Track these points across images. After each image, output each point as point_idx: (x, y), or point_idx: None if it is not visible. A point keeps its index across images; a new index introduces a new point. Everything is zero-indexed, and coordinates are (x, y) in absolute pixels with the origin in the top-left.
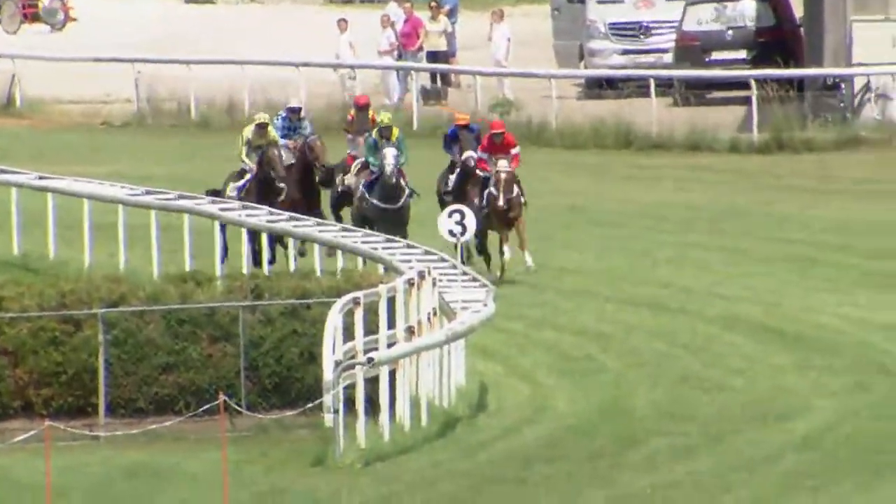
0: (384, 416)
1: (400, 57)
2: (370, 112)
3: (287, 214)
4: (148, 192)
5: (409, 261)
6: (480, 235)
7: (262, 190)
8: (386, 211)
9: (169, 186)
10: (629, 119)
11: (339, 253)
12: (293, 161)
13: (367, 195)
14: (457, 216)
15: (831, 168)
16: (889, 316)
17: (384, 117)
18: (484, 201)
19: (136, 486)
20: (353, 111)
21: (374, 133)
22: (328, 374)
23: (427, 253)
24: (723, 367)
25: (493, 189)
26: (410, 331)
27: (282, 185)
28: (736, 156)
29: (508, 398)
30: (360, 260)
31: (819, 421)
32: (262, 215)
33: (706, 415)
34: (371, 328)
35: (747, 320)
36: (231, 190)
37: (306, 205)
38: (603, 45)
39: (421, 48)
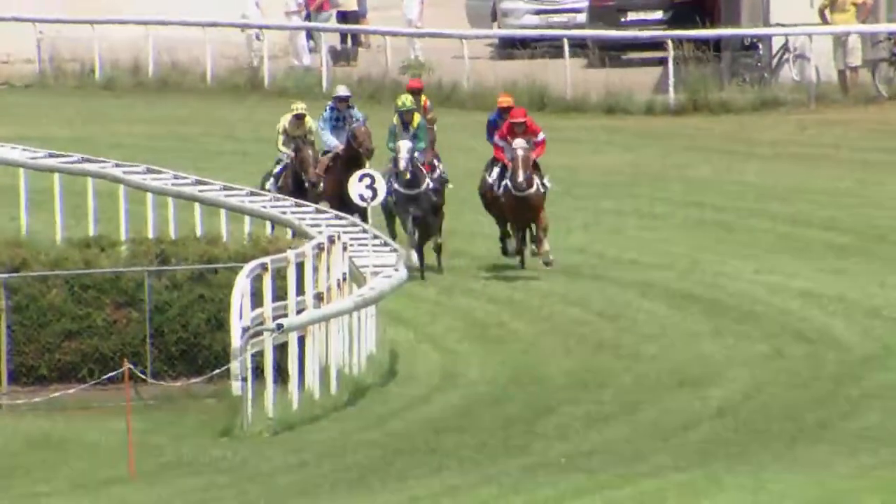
0: (293, 384)
1: (308, 18)
2: (423, 98)
3: (192, 178)
4: (50, 155)
5: (319, 226)
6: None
7: (296, 184)
8: (407, 196)
9: (72, 149)
10: (543, 80)
11: (247, 218)
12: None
13: (392, 181)
14: (367, 180)
15: (749, 130)
16: (806, 282)
17: (405, 100)
18: (500, 189)
19: (39, 457)
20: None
21: (395, 118)
22: (236, 341)
23: (337, 217)
24: (638, 334)
25: (509, 177)
26: (320, 297)
27: (312, 184)
28: (652, 118)
29: (420, 366)
30: (268, 225)
31: (735, 389)
32: (167, 179)
33: (621, 382)
34: (280, 294)
35: (663, 286)
36: (269, 185)
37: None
38: (515, 5)
39: (322, 8)
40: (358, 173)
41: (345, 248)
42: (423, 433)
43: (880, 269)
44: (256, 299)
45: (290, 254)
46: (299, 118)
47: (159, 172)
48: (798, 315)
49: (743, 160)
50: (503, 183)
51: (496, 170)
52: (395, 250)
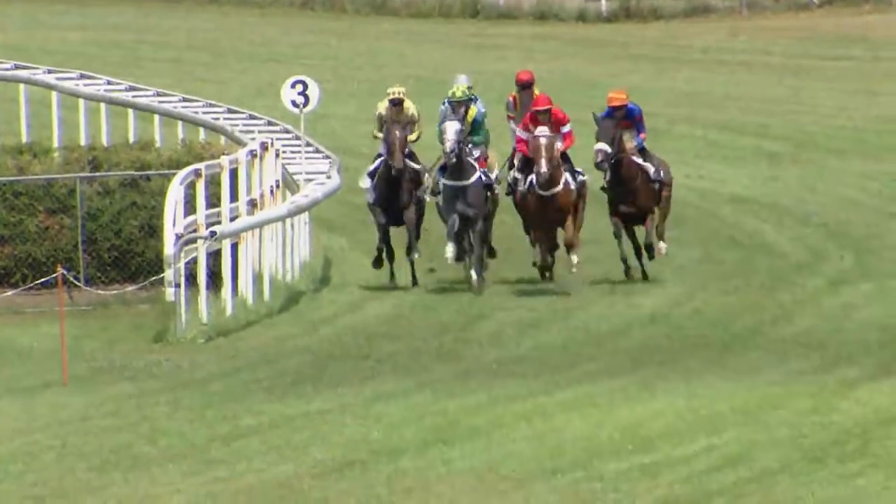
0: (227, 290)
1: None
2: (535, 90)
3: (126, 84)
4: None
5: (252, 132)
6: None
7: (388, 183)
8: (454, 189)
9: (4, 56)
10: None
11: (180, 124)
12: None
13: (439, 175)
14: (300, 86)
15: (679, 37)
16: (736, 188)
17: (455, 90)
18: (526, 185)
19: None
20: (513, 95)
21: (448, 109)
22: (169, 247)
23: (270, 124)
24: None
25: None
26: (253, 204)
27: (397, 170)
28: (584, 25)
29: (353, 273)
30: (201, 130)
31: (667, 295)
32: (100, 85)
33: (552, 289)
34: (213, 201)
35: (593, 192)
36: (363, 179)
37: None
38: None
39: None
40: (291, 79)
41: (278, 155)
42: (356, 340)
43: (811, 174)
44: (190, 206)
45: (224, 160)
46: (396, 104)
47: (92, 78)
48: (729, 221)
49: (674, 67)
50: (529, 178)
51: (516, 165)
52: (328, 157)
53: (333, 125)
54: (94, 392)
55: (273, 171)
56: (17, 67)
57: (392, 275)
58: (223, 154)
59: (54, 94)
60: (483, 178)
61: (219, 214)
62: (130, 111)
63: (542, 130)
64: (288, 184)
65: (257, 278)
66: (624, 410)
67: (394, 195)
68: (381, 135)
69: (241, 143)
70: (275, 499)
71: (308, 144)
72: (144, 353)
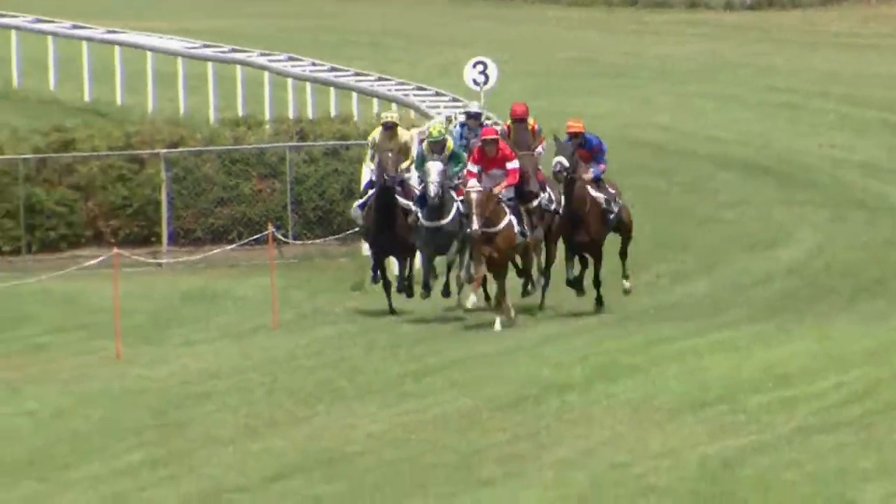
0: None
1: None
2: (530, 122)
3: (328, 66)
4: (205, 46)
5: (438, 107)
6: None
7: (381, 208)
8: (429, 230)
9: (223, 40)
10: None
11: (375, 100)
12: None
13: (418, 211)
14: (480, 66)
15: (816, 23)
16: (864, 156)
17: (433, 129)
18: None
19: (195, 308)
20: (508, 122)
21: (424, 146)
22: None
23: (454, 100)
24: (716, 202)
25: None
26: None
27: (393, 179)
28: (730, 13)
29: None
30: (393, 106)
31: (802, 250)
32: (306, 66)
33: (701, 245)
34: None
35: (739, 160)
36: (354, 211)
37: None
38: None
39: None
40: (472, 60)
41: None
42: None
43: None
44: None
45: (414, 132)
46: (389, 129)
47: (299, 60)
48: (858, 185)
49: (811, 50)
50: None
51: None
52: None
53: (509, 101)
54: (300, 335)
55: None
56: (233, 51)
57: (390, 305)
58: (412, 126)
59: (266, 74)
60: (459, 215)
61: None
62: (332, 89)
63: (473, 184)
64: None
65: None
66: (764, 351)
67: (386, 222)
68: (371, 164)
69: (428, 117)
70: (458, 428)
71: (487, 118)
72: (344, 300)
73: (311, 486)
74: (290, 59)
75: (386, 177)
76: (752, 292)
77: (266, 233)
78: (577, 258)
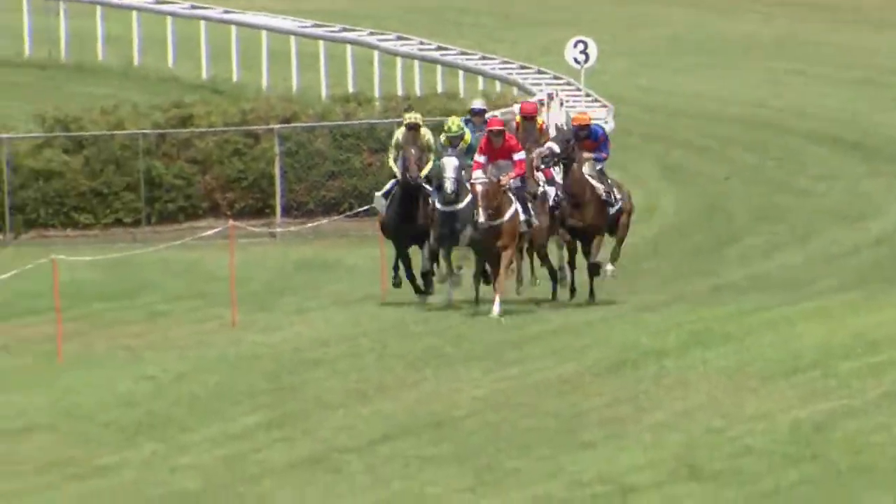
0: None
1: None
2: (539, 121)
3: (435, 45)
4: (317, 26)
5: (540, 84)
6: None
7: (405, 200)
8: (445, 214)
9: (334, 20)
10: None
11: (480, 78)
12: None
13: (434, 198)
14: (581, 45)
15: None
16: None
17: (451, 124)
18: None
19: (307, 277)
20: (518, 119)
21: (443, 139)
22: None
23: (555, 77)
24: (808, 175)
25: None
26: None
27: (413, 179)
28: None
29: None
30: (497, 84)
31: (890, 222)
32: (414, 45)
33: (793, 217)
34: None
35: (827, 135)
36: (377, 200)
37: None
38: None
39: None
40: (573, 39)
41: (562, 104)
42: (625, 258)
43: None
44: None
45: (516, 108)
46: (412, 129)
47: (407, 39)
48: None
49: (890, 29)
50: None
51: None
52: (604, 105)
53: (607, 78)
54: (408, 303)
55: (558, 116)
56: (344, 30)
57: (417, 288)
58: (515, 103)
59: (376, 53)
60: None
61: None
62: (438, 67)
63: (479, 176)
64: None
65: None
66: (854, 319)
67: (410, 214)
68: (394, 165)
69: (530, 94)
70: (558, 393)
71: (587, 94)
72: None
73: (418, 448)
74: (399, 38)
75: (410, 177)
76: (842, 262)
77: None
78: (566, 248)
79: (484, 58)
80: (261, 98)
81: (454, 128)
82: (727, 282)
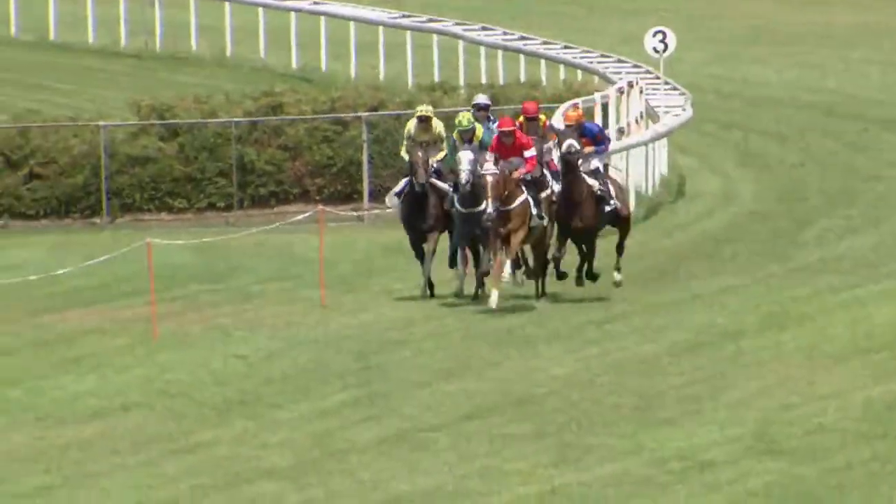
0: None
1: None
2: (542, 118)
3: (518, 34)
4: (404, 16)
5: (620, 73)
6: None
7: (413, 201)
8: (465, 216)
9: (418, 11)
10: None
11: (561, 67)
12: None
13: (454, 198)
14: (660, 35)
15: None
16: None
17: (462, 118)
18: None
19: (393, 260)
20: (521, 119)
21: (455, 134)
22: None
23: (635, 66)
24: (881, 160)
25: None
26: (621, 131)
27: (421, 185)
28: None
29: (702, 187)
30: (578, 73)
31: None
32: (497, 35)
33: (866, 201)
34: None
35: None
36: (390, 198)
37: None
38: None
39: None
40: (652, 29)
41: (641, 92)
42: (704, 243)
43: None
44: None
45: (597, 96)
46: (423, 121)
47: (491, 29)
48: None
49: None
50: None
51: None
52: (682, 93)
53: (685, 67)
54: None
55: (637, 104)
56: (430, 21)
57: (431, 288)
58: (596, 91)
59: (460, 43)
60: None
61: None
62: (521, 56)
63: (489, 167)
64: (650, 114)
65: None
66: None
67: (419, 213)
68: (406, 155)
69: (610, 82)
70: (638, 372)
71: (666, 83)
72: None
73: (502, 426)
74: (483, 28)
75: (416, 182)
76: None
77: None
78: (569, 247)
79: (566, 47)
80: (349, 87)
81: (465, 122)
82: (802, 264)
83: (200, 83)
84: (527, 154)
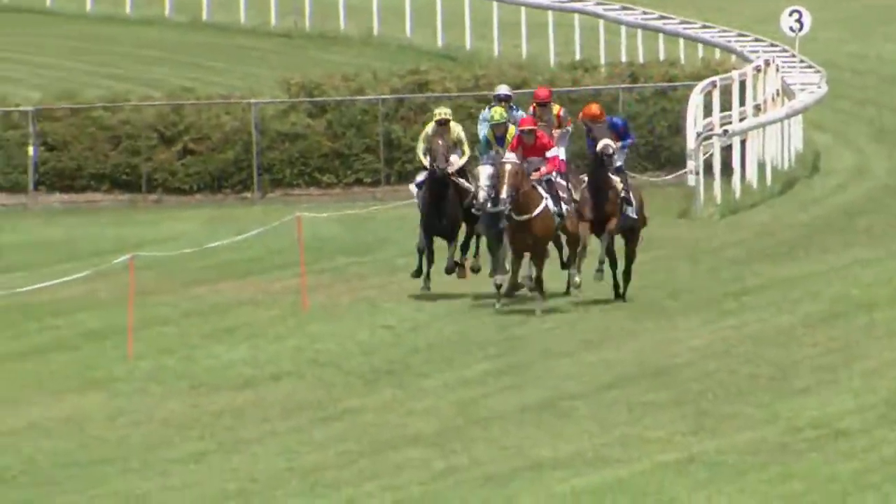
0: (736, 177)
1: None
2: (555, 107)
3: (657, 14)
4: None
5: (757, 51)
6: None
7: (433, 191)
8: (491, 215)
9: None
10: None
11: (699, 46)
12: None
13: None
14: (796, 14)
15: None
16: None
17: (494, 112)
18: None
19: None
20: (533, 105)
21: (487, 131)
22: (690, 143)
23: (771, 45)
24: None
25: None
26: (758, 108)
27: (440, 169)
28: None
29: (837, 163)
30: (716, 51)
31: None
32: (637, 14)
33: None
34: (725, 106)
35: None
36: (411, 187)
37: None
38: None
39: None
40: (788, 8)
41: (777, 70)
42: (838, 216)
43: None
44: (706, 110)
45: (734, 74)
46: (442, 124)
47: (631, 9)
48: None
49: None
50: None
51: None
52: (818, 71)
53: (820, 46)
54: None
55: (773, 82)
56: (571, 0)
57: (426, 279)
58: (733, 69)
59: (601, 22)
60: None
61: (730, 117)
62: (660, 35)
63: (510, 156)
64: (786, 92)
65: (760, 167)
66: None
67: (438, 205)
68: (423, 158)
69: (747, 61)
70: (774, 342)
71: (801, 61)
72: (671, 227)
73: (640, 395)
74: (623, 8)
75: (437, 168)
76: None
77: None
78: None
79: (704, 26)
80: (492, 65)
81: (497, 117)
82: None
83: (348, 61)
84: (549, 154)
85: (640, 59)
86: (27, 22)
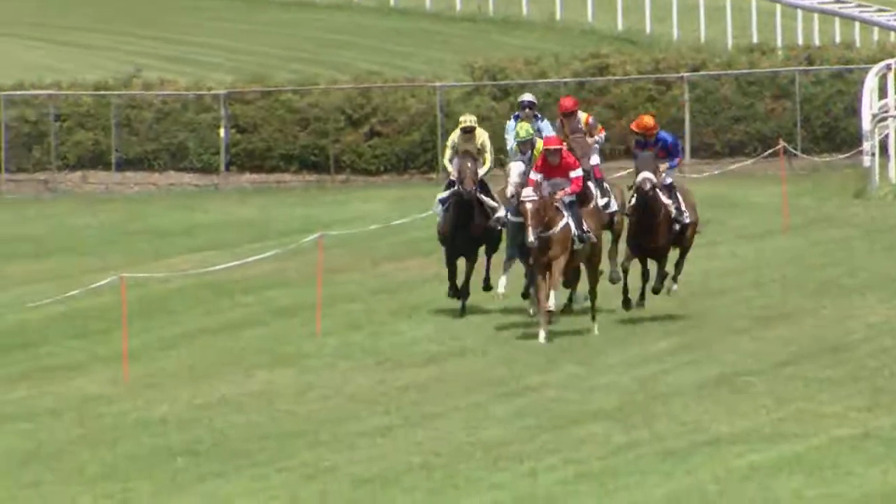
0: None
1: None
2: (582, 115)
3: (854, 3)
4: None
5: None
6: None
7: (458, 211)
8: (517, 225)
9: None
10: None
11: (875, 29)
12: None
13: (506, 210)
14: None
15: None
16: None
17: (520, 129)
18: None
19: (713, 213)
20: (560, 117)
21: (514, 146)
22: (866, 124)
23: None
24: None
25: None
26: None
27: (467, 193)
28: None
29: None
30: (892, 34)
31: None
32: None
33: None
34: None
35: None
36: (435, 205)
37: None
38: None
39: None
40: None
41: None
42: None
43: None
44: (881, 92)
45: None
46: (467, 132)
47: None
48: None
49: None
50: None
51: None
52: None
53: None
54: (808, 237)
55: None
56: None
57: (463, 308)
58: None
59: (778, 6)
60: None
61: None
62: (836, 19)
63: (528, 194)
64: None
65: None
66: None
67: (463, 224)
68: (449, 165)
69: None
70: None
71: None
72: (847, 206)
73: (816, 371)
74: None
75: (463, 191)
76: None
77: (778, 147)
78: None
79: (879, 10)
80: (671, 48)
81: (523, 133)
82: None
83: (530, 45)
84: (573, 175)
85: (816, 42)
86: (224, 7)
